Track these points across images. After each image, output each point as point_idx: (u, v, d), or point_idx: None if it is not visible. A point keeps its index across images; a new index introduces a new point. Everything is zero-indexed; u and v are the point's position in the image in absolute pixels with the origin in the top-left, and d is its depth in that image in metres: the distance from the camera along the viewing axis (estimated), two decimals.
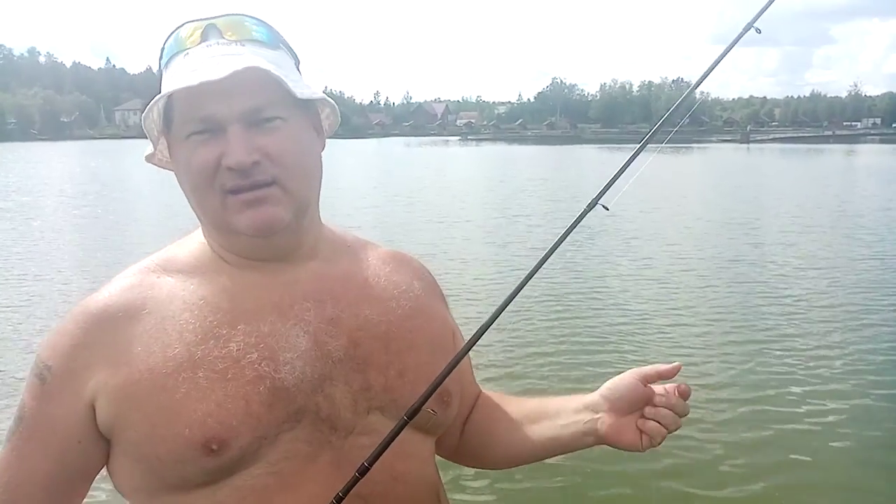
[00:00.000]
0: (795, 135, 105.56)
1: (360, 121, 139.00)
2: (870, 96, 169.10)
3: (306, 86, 1.00)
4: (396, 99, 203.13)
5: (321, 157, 1.07)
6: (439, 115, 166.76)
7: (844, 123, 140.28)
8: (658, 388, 1.09)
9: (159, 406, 0.93)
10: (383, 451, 0.93)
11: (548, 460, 1.22)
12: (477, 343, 1.04)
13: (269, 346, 0.97)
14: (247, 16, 1.02)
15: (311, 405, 0.97)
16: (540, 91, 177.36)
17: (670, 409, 1.07)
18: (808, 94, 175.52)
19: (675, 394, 1.08)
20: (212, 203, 0.98)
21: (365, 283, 1.10)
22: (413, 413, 0.96)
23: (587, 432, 1.13)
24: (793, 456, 4.50)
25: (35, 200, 19.28)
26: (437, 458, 1.18)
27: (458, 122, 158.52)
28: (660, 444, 1.09)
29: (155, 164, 1.07)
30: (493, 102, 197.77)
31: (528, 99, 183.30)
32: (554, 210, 16.97)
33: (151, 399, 0.93)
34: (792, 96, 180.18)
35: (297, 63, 1.06)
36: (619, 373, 1.13)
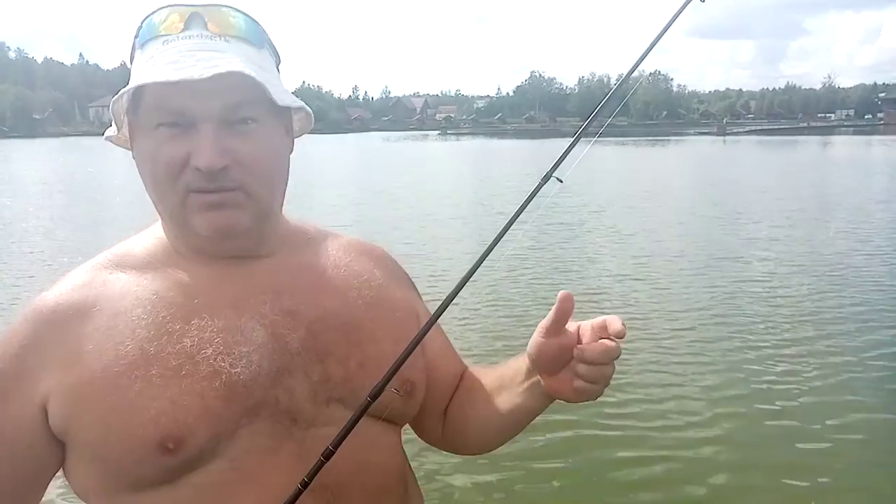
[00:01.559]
0: (771, 127, 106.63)
1: (338, 115, 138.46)
2: (843, 88, 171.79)
3: (286, 90, 0.99)
4: (375, 93, 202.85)
5: (289, 159, 1.05)
6: (418, 110, 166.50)
7: (819, 115, 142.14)
8: (583, 332, 0.98)
9: (113, 406, 0.91)
10: (347, 433, 0.92)
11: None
12: (439, 320, 1.02)
13: (224, 340, 0.95)
14: (233, 8, 0.98)
15: (269, 398, 0.96)
16: (519, 85, 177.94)
17: (582, 361, 0.96)
18: (783, 87, 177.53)
19: (592, 338, 0.96)
20: (172, 199, 0.95)
21: (324, 273, 1.09)
22: (376, 394, 0.94)
23: (542, 393, 1.05)
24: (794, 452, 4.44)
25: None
26: (420, 450, 1.18)
27: (438, 116, 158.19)
28: (602, 390, 1.00)
29: (113, 143, 1.04)
30: (472, 96, 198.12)
31: (507, 93, 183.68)
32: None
33: (104, 399, 0.91)
34: (767, 88, 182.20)
35: (278, 62, 1.04)
36: None
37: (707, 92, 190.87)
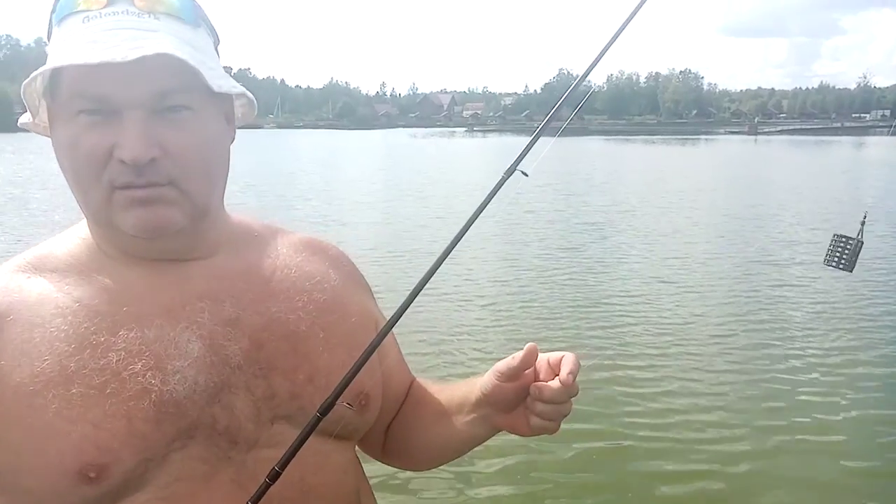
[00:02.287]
0: (804, 126, 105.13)
1: (366, 111, 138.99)
2: (879, 88, 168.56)
3: (224, 74, 0.90)
4: (403, 90, 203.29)
5: (230, 150, 0.95)
6: (445, 107, 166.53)
7: (853, 115, 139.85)
8: (539, 368, 0.98)
9: (26, 429, 0.81)
10: (295, 452, 0.84)
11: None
12: (397, 325, 0.93)
13: (155, 353, 0.86)
14: None
15: (205, 418, 0.87)
16: (546, 82, 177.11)
17: (540, 400, 0.96)
18: (816, 86, 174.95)
19: (554, 384, 0.95)
20: (96, 196, 0.85)
21: (272, 276, 0.99)
22: (327, 409, 0.85)
23: (493, 426, 1.04)
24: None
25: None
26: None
27: (465, 113, 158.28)
28: (559, 426, 0.99)
29: (30, 130, 0.95)
30: (500, 94, 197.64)
31: (535, 90, 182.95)
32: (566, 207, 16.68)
33: (17, 422, 0.82)
34: (800, 88, 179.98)
35: (217, 43, 0.94)
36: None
37: (738, 91, 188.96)
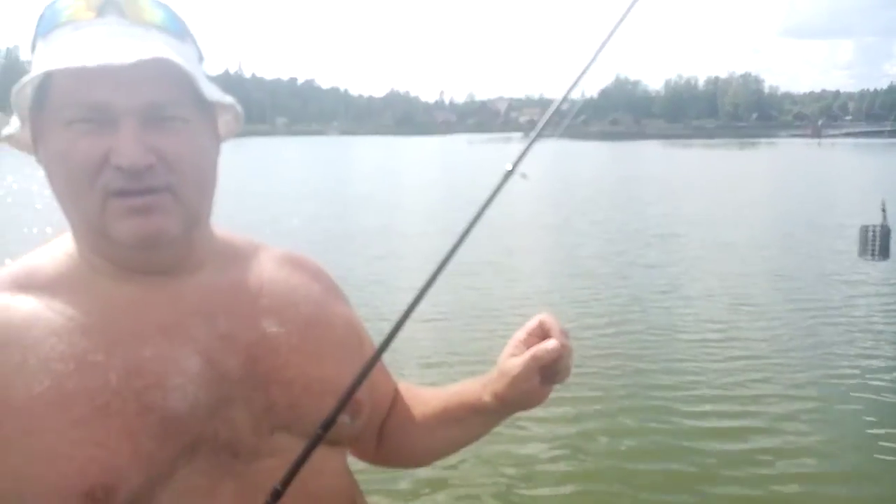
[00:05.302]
0: (871, 129, 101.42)
1: (425, 118, 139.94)
2: None
3: (214, 86, 0.90)
4: (460, 98, 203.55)
5: (218, 164, 0.95)
6: (502, 113, 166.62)
7: None
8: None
9: (27, 454, 0.79)
10: (296, 471, 0.83)
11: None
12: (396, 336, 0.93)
13: (154, 371, 0.85)
14: None
15: (207, 433, 0.87)
16: (603, 88, 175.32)
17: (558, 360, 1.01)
18: (885, 87, 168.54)
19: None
20: (89, 204, 0.83)
21: (260, 291, 0.99)
22: (328, 425, 0.87)
23: (485, 422, 1.11)
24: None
25: None
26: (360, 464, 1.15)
27: (521, 119, 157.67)
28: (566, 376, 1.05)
29: (10, 145, 0.91)
30: (556, 100, 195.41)
31: (592, 96, 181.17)
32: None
33: (16, 446, 0.79)
34: (868, 89, 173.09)
35: (201, 60, 0.93)
36: None
37: (801, 93, 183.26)
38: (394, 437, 1.18)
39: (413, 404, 1.18)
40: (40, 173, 0.87)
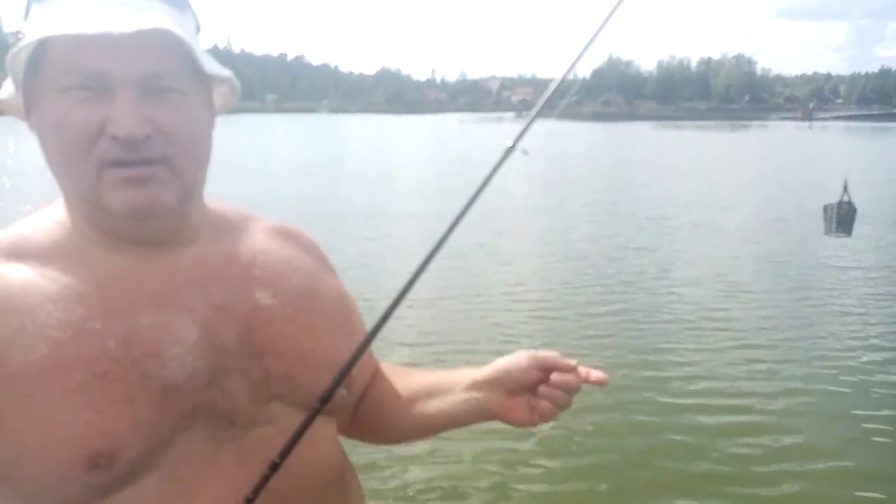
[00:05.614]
0: (861, 112, 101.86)
1: (417, 97, 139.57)
2: None
3: (211, 59, 0.89)
4: (452, 76, 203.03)
5: (212, 137, 0.94)
6: (494, 92, 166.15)
7: None
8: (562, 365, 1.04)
9: (27, 421, 0.79)
10: (294, 444, 0.86)
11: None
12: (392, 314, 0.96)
13: (152, 340, 0.85)
14: None
15: (205, 401, 0.88)
16: (596, 68, 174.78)
17: (565, 390, 1.02)
18: (876, 70, 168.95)
19: (588, 377, 1.02)
20: (84, 173, 0.82)
21: (253, 262, 0.99)
22: (326, 398, 0.90)
23: (479, 410, 1.07)
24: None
25: None
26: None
27: (513, 98, 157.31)
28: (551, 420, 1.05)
29: (2, 109, 0.91)
30: (548, 79, 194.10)
31: (584, 76, 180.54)
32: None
33: (16, 413, 0.79)
34: (859, 73, 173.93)
35: (199, 31, 0.93)
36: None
37: (793, 76, 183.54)
38: (369, 412, 1.18)
39: (394, 379, 1.18)
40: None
